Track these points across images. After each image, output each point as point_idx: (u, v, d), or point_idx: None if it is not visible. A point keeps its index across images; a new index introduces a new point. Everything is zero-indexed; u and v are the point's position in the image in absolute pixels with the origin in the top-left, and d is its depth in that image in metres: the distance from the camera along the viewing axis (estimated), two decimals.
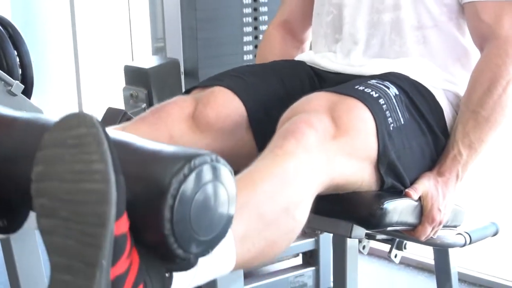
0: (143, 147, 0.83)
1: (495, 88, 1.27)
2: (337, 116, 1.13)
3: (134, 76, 1.48)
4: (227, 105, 1.29)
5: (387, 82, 1.25)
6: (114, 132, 0.87)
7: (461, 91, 1.36)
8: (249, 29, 2.38)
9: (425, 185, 1.25)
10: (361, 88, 1.20)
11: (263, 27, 2.38)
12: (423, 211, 1.25)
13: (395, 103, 1.21)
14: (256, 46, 2.37)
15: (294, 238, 1.05)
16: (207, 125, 1.27)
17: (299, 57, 1.56)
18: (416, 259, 2.47)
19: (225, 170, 0.83)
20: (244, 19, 2.36)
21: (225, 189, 0.83)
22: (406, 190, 1.22)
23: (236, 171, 0.90)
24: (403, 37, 1.37)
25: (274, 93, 1.37)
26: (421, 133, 1.26)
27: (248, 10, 2.37)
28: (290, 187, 1.03)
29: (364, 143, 1.15)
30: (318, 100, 1.17)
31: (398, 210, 1.19)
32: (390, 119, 1.18)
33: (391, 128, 1.18)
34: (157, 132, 1.22)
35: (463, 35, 1.39)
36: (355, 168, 1.14)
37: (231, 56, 2.36)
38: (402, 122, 1.21)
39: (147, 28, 2.45)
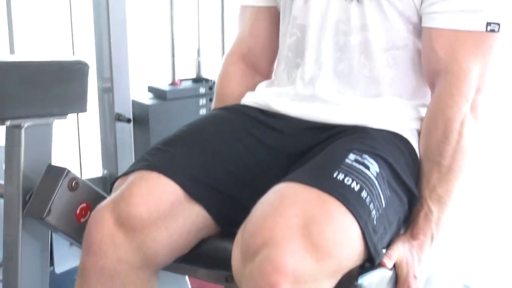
0: None
1: (450, 133, 1.20)
2: (317, 232, 0.99)
3: None
4: (154, 191, 1.17)
5: (367, 157, 1.14)
6: None
7: None
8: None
9: (399, 251, 1.17)
10: (340, 177, 1.07)
11: None
12: (398, 278, 1.17)
13: (377, 187, 1.11)
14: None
15: None
16: (141, 223, 1.15)
17: (250, 97, 1.41)
18: None
19: None
20: None
21: None
22: (381, 260, 1.13)
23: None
24: (373, 60, 1.28)
25: (213, 164, 1.25)
26: (400, 203, 1.18)
27: None
28: None
29: (350, 254, 1.04)
30: (288, 207, 1.02)
31: (374, 283, 1.10)
32: (373, 212, 1.08)
33: (375, 222, 1.08)
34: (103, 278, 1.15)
35: None
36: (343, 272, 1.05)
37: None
38: (384, 206, 1.11)
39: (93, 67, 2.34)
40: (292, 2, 1.35)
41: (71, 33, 2.24)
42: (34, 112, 1.34)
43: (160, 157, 1.23)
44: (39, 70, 1.33)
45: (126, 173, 1.23)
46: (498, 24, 1.20)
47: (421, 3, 1.25)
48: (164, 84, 2.41)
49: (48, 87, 1.33)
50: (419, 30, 1.28)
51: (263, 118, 1.34)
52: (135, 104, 2.32)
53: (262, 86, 1.44)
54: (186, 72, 2.48)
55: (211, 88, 2.43)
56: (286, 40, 1.37)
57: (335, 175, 1.08)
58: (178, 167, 1.21)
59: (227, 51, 2.44)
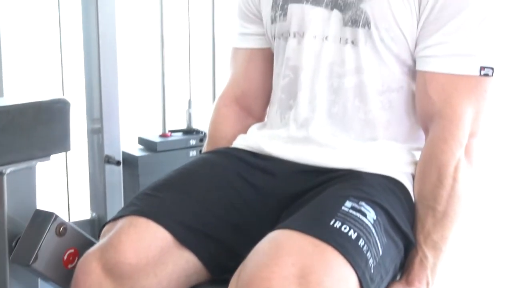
0: None
1: (445, 178, 1.19)
2: (315, 283, 0.97)
3: None
4: (143, 237, 1.16)
5: (363, 204, 1.12)
6: None
7: None
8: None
9: None
10: (337, 225, 1.06)
11: None
12: None
13: (375, 234, 1.09)
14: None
15: None
16: (130, 270, 1.13)
17: (242, 140, 1.40)
18: None
19: None
20: None
21: None
22: None
23: None
24: (368, 103, 1.27)
25: (203, 209, 1.23)
26: (396, 250, 1.16)
27: None
28: None
29: None
30: (284, 256, 1.00)
31: None
32: (370, 260, 1.06)
33: (372, 271, 1.06)
34: None
35: None
36: None
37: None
38: (381, 253, 1.09)
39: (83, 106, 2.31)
40: (285, 43, 1.35)
41: (61, 72, 2.23)
42: (15, 158, 1.31)
43: (149, 202, 1.21)
44: (18, 114, 1.30)
45: (115, 218, 1.21)
46: (492, 69, 1.21)
47: (415, 46, 1.25)
48: (154, 136, 2.39)
49: (29, 130, 1.31)
50: (413, 72, 1.28)
51: (255, 161, 1.32)
52: (125, 155, 2.30)
53: (254, 128, 1.43)
54: (177, 123, 2.47)
55: (201, 140, 2.41)
56: (279, 82, 1.37)
57: (331, 223, 1.06)
58: (168, 212, 1.19)
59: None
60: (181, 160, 2.32)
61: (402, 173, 1.26)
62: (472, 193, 1.23)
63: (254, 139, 1.37)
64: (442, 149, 1.20)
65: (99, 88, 2.19)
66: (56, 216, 1.31)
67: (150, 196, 1.24)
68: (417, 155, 1.29)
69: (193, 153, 2.38)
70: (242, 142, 1.40)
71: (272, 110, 1.40)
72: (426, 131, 1.26)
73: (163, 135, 2.40)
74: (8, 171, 1.31)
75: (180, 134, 2.43)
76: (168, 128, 2.43)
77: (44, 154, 1.34)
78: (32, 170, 1.36)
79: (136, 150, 2.36)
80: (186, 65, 2.49)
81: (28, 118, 1.32)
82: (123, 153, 2.29)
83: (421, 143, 1.30)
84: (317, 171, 1.26)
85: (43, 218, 1.31)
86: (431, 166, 1.21)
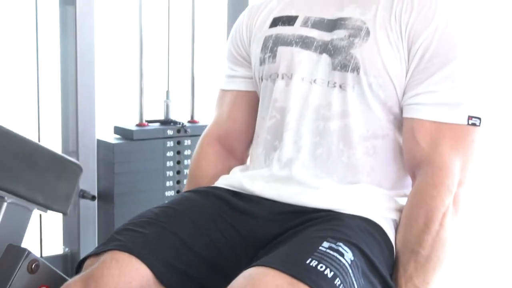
0: None
1: (432, 223, 1.20)
2: None
3: None
4: (125, 272, 1.15)
5: (341, 244, 1.13)
6: None
7: None
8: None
9: None
10: (313, 263, 1.06)
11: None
12: None
13: (351, 275, 1.09)
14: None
15: None
16: None
17: (224, 180, 1.41)
18: None
19: None
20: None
21: None
22: None
23: None
24: (352, 147, 1.28)
25: (185, 247, 1.23)
26: None
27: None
28: None
29: None
30: None
31: None
32: None
33: None
34: None
35: None
36: None
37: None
38: None
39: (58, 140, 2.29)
40: (273, 85, 1.37)
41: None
42: (20, 192, 1.27)
43: (131, 238, 1.21)
44: (36, 153, 1.28)
45: (97, 253, 1.20)
46: (479, 119, 1.23)
47: (403, 94, 1.27)
48: (131, 125, 2.35)
49: (40, 173, 1.28)
50: (399, 121, 1.30)
51: (236, 202, 1.33)
52: (100, 143, 2.25)
53: (236, 170, 1.45)
54: (154, 114, 2.43)
55: (179, 131, 2.38)
56: (265, 123, 1.38)
57: (308, 261, 1.07)
58: (150, 249, 1.20)
59: (196, 94, 2.43)
60: (158, 150, 2.29)
61: (383, 218, 1.26)
62: (456, 241, 1.24)
63: (236, 178, 1.38)
64: (431, 194, 1.21)
65: (76, 124, 2.18)
66: (29, 252, 1.26)
67: (133, 231, 1.23)
68: (401, 201, 1.31)
69: (170, 143, 2.34)
70: (224, 181, 1.41)
71: (257, 151, 1.41)
72: (413, 176, 1.28)
73: (140, 125, 2.36)
74: (9, 200, 1.27)
75: (157, 124, 2.39)
76: (145, 118, 2.38)
77: (45, 204, 1.31)
78: (29, 212, 1.32)
79: (112, 139, 2.31)
80: (165, 56, 2.46)
81: (43, 161, 1.30)
82: (98, 141, 2.25)
83: (406, 190, 1.32)
84: (297, 212, 1.26)
85: (15, 254, 1.27)
86: (419, 211, 1.22)
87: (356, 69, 1.27)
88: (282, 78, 1.35)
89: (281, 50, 1.36)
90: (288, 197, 1.28)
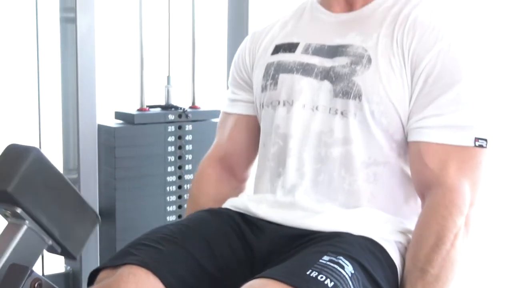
0: None
1: (442, 243, 1.20)
2: None
3: None
4: (141, 287, 1.17)
5: (341, 258, 1.14)
6: None
7: None
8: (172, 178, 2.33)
9: None
10: (313, 274, 1.08)
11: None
12: None
13: (351, 287, 1.10)
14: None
15: None
16: None
17: (231, 202, 1.44)
18: None
19: None
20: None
21: None
22: None
23: None
24: (353, 174, 1.29)
25: (198, 265, 1.26)
26: None
27: (172, 218, 2.34)
28: None
29: None
30: None
31: None
32: None
33: None
34: None
35: None
36: None
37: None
38: None
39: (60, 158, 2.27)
40: (274, 111, 1.39)
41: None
42: (42, 220, 1.25)
43: (148, 253, 1.23)
44: (65, 189, 1.27)
45: (113, 265, 1.22)
46: (486, 140, 1.24)
47: (408, 119, 1.28)
48: (132, 110, 2.34)
49: (62, 210, 1.27)
50: (401, 148, 1.31)
51: (243, 223, 1.36)
52: (101, 128, 2.24)
53: (243, 195, 1.48)
54: (155, 101, 2.42)
55: (180, 116, 2.36)
56: (269, 150, 1.41)
57: (308, 272, 1.09)
58: (166, 265, 1.22)
59: (197, 79, 2.41)
60: (159, 134, 2.28)
61: (384, 240, 1.27)
62: (465, 261, 1.25)
63: (242, 201, 1.41)
64: (443, 214, 1.21)
65: (77, 109, 2.16)
66: (32, 271, 1.25)
67: (149, 247, 1.25)
68: (407, 224, 1.31)
69: (171, 128, 2.33)
70: (231, 203, 1.44)
71: (264, 179, 1.43)
72: (423, 198, 1.28)
73: (141, 110, 2.34)
74: (30, 225, 1.25)
75: (158, 109, 2.38)
76: (146, 104, 2.37)
77: (60, 239, 1.28)
78: (43, 244, 1.29)
79: (112, 123, 2.30)
80: (166, 41, 2.44)
81: (70, 200, 1.29)
82: (99, 126, 2.23)
83: (413, 215, 1.32)
84: (301, 235, 1.27)
85: (17, 272, 1.25)
86: (429, 230, 1.22)
87: (358, 96, 1.28)
88: (284, 105, 1.38)
89: (282, 77, 1.39)
90: (292, 221, 1.30)
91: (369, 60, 1.30)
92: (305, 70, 1.37)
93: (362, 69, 1.29)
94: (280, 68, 1.41)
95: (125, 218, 2.25)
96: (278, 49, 1.46)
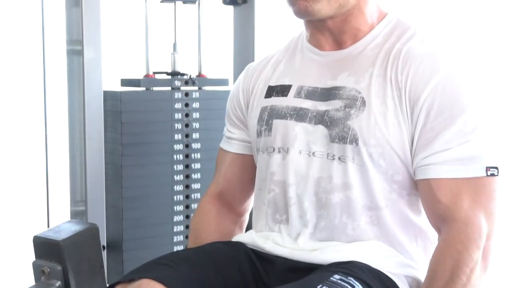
0: None
1: (458, 277, 1.17)
2: None
3: (45, 248, 1.29)
4: None
5: (351, 278, 1.14)
6: None
7: (421, 276, 1.27)
8: (180, 207, 2.32)
9: None
10: None
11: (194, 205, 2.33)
12: None
13: None
14: (187, 227, 2.31)
15: None
16: None
17: (239, 238, 1.45)
18: None
19: None
20: (174, 197, 2.31)
21: None
22: None
23: None
24: (356, 219, 1.28)
25: (210, 286, 1.26)
26: None
27: (179, 188, 2.32)
28: None
29: None
30: None
31: None
32: None
33: None
34: None
35: (416, 214, 1.31)
36: None
37: (159, 237, 2.26)
38: None
39: (67, 189, 2.24)
40: (269, 158, 1.39)
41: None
42: (71, 284, 1.32)
43: (165, 271, 1.24)
44: (99, 269, 1.36)
45: (130, 279, 1.24)
46: (497, 168, 1.21)
47: (414, 156, 1.25)
48: (137, 76, 2.30)
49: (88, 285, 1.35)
50: (404, 190, 1.29)
51: (253, 254, 1.38)
52: (107, 94, 2.20)
53: (251, 232, 1.49)
54: (161, 67, 2.38)
55: (186, 83, 2.33)
56: (264, 196, 1.41)
57: (318, 287, 1.10)
58: (182, 283, 1.22)
59: (203, 47, 2.38)
60: (165, 101, 2.24)
61: (391, 274, 1.26)
62: None
63: (250, 236, 1.42)
64: (458, 249, 1.18)
65: (82, 75, 2.12)
66: None
67: (166, 265, 1.27)
68: (413, 258, 1.31)
69: (178, 94, 2.30)
70: (239, 238, 1.46)
71: (261, 224, 1.43)
72: (439, 231, 1.25)
73: (147, 76, 2.31)
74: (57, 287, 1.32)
75: (164, 75, 2.34)
76: (152, 70, 2.34)
77: None
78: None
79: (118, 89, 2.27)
80: (171, 8, 2.41)
81: (98, 278, 1.37)
82: (105, 92, 2.19)
83: (413, 262, 1.31)
84: (309, 268, 1.27)
85: None
86: (445, 265, 1.19)
87: (354, 140, 1.26)
88: (279, 151, 1.36)
89: (276, 123, 1.38)
90: (299, 255, 1.30)
91: (363, 103, 1.28)
92: (299, 115, 1.36)
93: (356, 112, 1.27)
94: (274, 114, 1.40)
95: (131, 186, 2.23)
96: (270, 92, 1.45)
